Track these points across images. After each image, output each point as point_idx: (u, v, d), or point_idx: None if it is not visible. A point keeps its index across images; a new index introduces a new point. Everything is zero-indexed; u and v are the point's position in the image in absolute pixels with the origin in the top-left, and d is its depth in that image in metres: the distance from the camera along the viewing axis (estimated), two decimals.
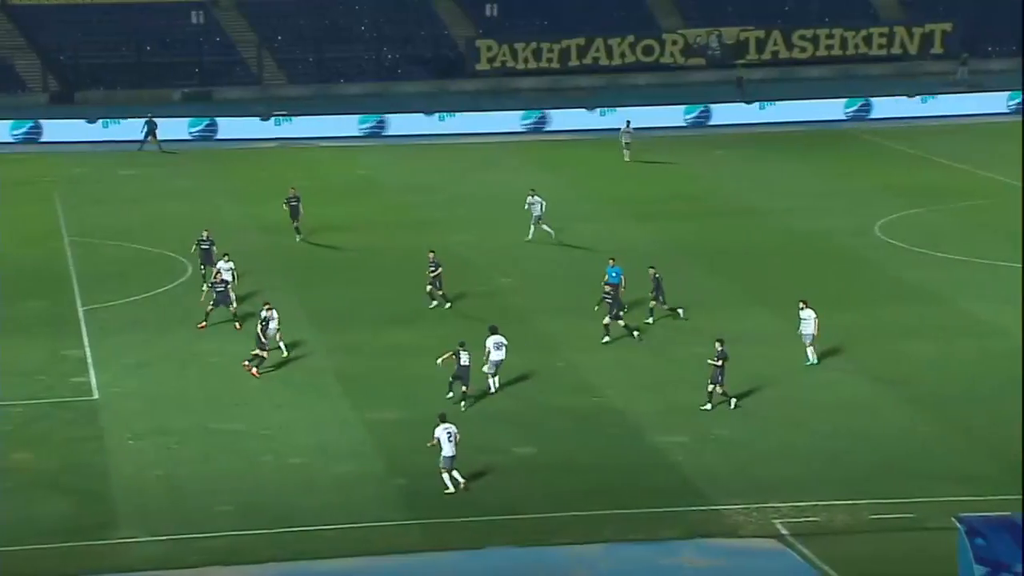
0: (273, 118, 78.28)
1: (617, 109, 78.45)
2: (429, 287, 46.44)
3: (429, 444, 33.36)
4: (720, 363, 37.66)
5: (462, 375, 37.78)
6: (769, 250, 53.75)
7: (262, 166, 71.17)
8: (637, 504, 32.31)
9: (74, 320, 45.06)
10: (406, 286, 48.91)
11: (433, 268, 46.39)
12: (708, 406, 37.74)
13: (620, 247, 50.33)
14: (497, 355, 38.98)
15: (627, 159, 69.61)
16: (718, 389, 37.77)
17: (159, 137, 73.18)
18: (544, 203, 54.72)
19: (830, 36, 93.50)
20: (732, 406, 37.79)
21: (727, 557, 30.35)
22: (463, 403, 37.86)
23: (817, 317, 40.81)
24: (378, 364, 41.78)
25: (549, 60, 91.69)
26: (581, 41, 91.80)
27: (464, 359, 37.80)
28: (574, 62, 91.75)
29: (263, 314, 41.28)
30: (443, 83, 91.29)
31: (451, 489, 32.96)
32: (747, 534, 31.22)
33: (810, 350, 41.03)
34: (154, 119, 73.99)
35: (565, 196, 61.53)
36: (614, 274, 44.51)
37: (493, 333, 39.27)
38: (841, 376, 40.33)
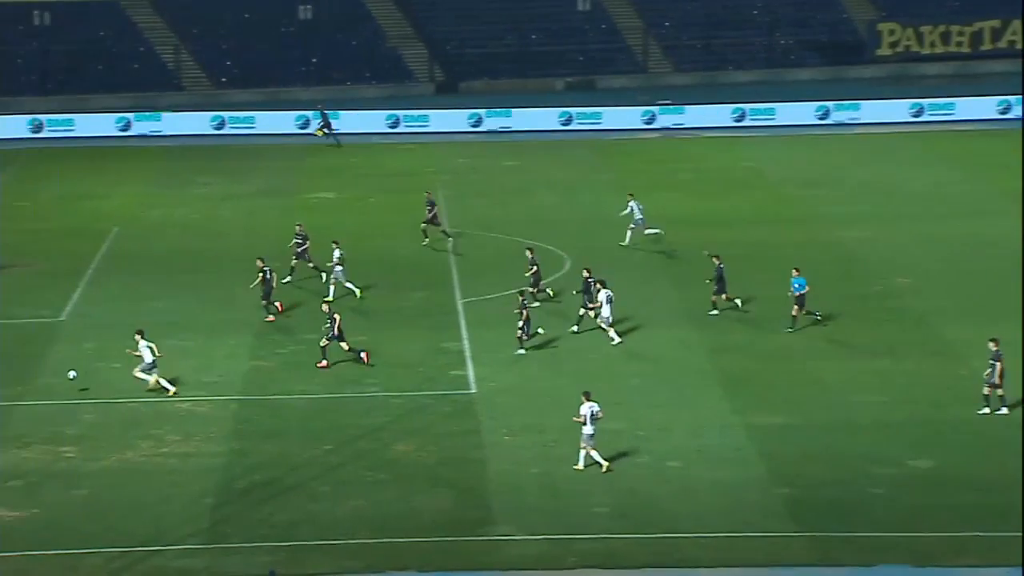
0: (656, 107, 78.71)
1: None
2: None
3: (575, 419, 34.60)
4: None
5: None
6: None
7: (644, 157, 71.66)
8: None
9: (453, 313, 46.52)
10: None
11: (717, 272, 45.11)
12: None
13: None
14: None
15: None
16: None
17: (334, 129, 73.95)
18: (642, 207, 53.36)
19: None
20: None
21: None
22: None
23: None
24: (763, 366, 41.40)
25: (959, 44, 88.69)
26: (996, 23, 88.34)
27: None
28: (987, 46, 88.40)
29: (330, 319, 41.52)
30: (839, 69, 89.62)
31: (580, 466, 34.25)
32: None
33: None
34: (325, 109, 75.09)
35: (964, 190, 59.42)
36: (797, 285, 43.26)
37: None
38: None
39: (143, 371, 39.60)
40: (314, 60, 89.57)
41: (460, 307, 46.97)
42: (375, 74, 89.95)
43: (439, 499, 33.44)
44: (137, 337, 39.87)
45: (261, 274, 46.15)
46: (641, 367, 41.53)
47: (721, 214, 58.91)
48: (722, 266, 45.53)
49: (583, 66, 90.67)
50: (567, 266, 51.91)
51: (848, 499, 32.97)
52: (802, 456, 34.99)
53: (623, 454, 35.58)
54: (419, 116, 78.91)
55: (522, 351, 42.22)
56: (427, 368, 41.80)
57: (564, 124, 77.99)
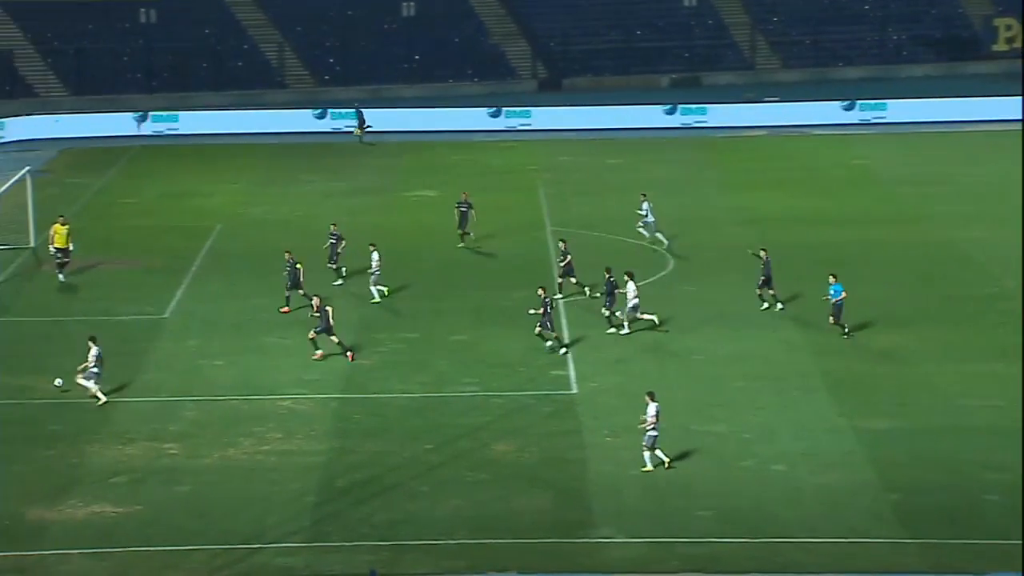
0: (762, 104, 78.25)
1: None
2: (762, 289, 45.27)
3: (641, 424, 34.66)
4: None
5: None
6: None
7: (751, 155, 71.25)
8: None
9: (554, 312, 46.42)
10: (904, 285, 47.76)
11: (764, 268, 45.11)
12: None
13: None
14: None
15: None
16: None
17: (366, 128, 74.50)
18: (653, 207, 53.45)
19: None
20: None
21: None
22: None
23: None
24: (870, 368, 41.02)
25: None
26: None
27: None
28: None
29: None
30: (953, 66, 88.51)
31: (649, 467, 34.23)
32: None
33: None
34: (361, 108, 75.46)
35: None
36: (833, 292, 42.96)
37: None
38: None
39: (86, 377, 38.88)
40: (417, 57, 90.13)
41: (561, 306, 47.00)
42: (477, 71, 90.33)
43: (539, 500, 33.49)
44: (90, 343, 39.32)
45: (288, 267, 46.74)
46: (744, 369, 41.32)
47: (830, 213, 58.43)
48: (769, 259, 45.69)
49: (689, 62, 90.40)
50: (670, 266, 51.78)
51: (960, 505, 32.57)
52: (912, 461, 34.58)
53: (727, 457, 35.41)
54: (521, 112, 79.11)
55: (560, 349, 42.42)
56: (528, 368, 41.88)
57: (669, 121, 77.77)
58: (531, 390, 40.16)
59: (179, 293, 49.20)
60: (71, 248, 50.77)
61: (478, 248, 54.70)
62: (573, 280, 47.99)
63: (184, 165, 71.11)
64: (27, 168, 57.19)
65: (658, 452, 34.67)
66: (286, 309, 46.56)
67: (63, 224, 51.65)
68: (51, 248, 50.70)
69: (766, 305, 45.85)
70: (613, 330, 44.20)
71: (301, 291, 46.63)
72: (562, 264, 47.83)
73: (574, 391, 40.12)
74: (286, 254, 47.33)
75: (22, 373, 41.68)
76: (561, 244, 48.36)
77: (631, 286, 44.07)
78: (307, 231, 56.45)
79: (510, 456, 35.80)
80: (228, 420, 38.28)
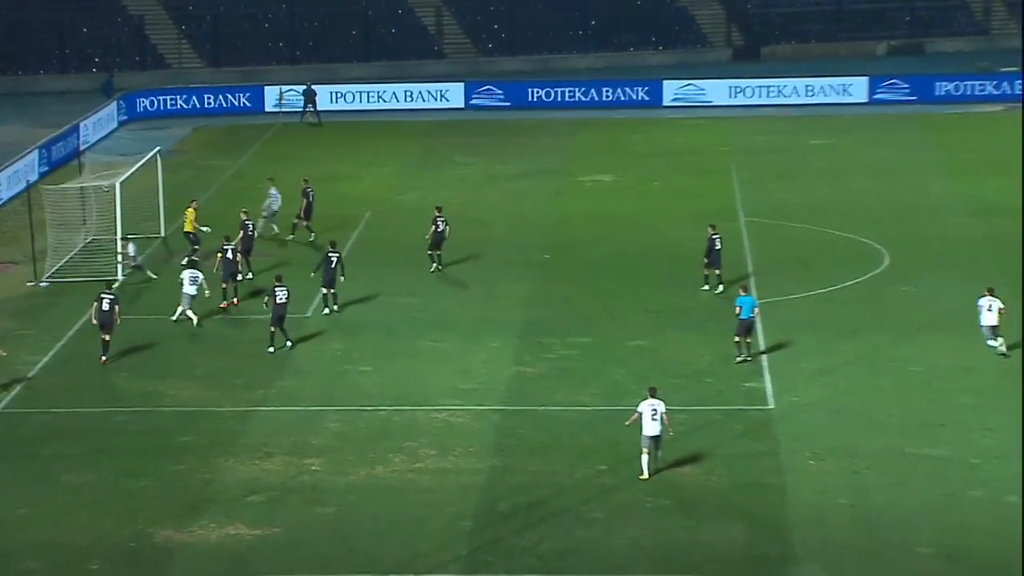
0: (997, 75, 76.78)
1: None
2: None
3: (627, 423, 35.19)
4: None
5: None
6: None
7: (981, 134, 69.94)
8: None
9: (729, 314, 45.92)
10: None
11: None
12: None
13: None
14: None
15: None
16: None
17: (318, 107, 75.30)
18: (279, 198, 54.33)
19: None
20: None
21: None
22: None
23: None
24: None
25: None
26: None
27: None
28: None
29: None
30: None
31: (645, 475, 34.83)
32: None
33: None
34: (312, 86, 75.75)
35: None
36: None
37: None
38: None
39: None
40: (592, 23, 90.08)
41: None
42: (662, 39, 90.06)
43: (731, 531, 33.22)
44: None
45: (242, 230, 49.22)
46: (972, 383, 40.54)
47: None
48: (716, 236, 47.38)
49: (909, 27, 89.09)
50: (886, 262, 51.03)
51: None
52: None
53: (952, 486, 34.75)
54: (712, 85, 78.72)
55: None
56: (717, 379, 41.62)
57: (884, 95, 76.69)
58: (720, 404, 39.91)
59: (323, 289, 49.74)
60: (205, 230, 51.88)
61: (660, 241, 54.45)
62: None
63: (329, 145, 72.01)
64: (157, 148, 58.32)
65: (659, 454, 35.42)
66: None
67: (194, 209, 52.76)
68: (190, 232, 52.13)
69: (706, 287, 46.95)
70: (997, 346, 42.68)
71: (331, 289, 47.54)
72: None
73: (771, 406, 39.75)
74: (242, 214, 50.29)
75: (148, 377, 42.52)
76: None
77: (988, 301, 42.26)
78: (466, 220, 56.74)
79: (696, 479, 35.57)
80: (376, 433, 38.60)
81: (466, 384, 41.65)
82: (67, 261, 51.83)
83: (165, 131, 74.36)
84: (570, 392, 41.03)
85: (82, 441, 38.23)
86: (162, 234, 55.44)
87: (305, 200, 55.39)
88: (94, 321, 43.38)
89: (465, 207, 59.54)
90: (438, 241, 51.26)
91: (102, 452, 37.50)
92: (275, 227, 55.20)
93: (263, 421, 39.52)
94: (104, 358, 43.22)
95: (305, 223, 55.27)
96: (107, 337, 43.14)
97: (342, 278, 47.44)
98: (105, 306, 43.04)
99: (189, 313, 46.13)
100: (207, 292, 46.58)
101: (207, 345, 45.17)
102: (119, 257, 50.72)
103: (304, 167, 66.28)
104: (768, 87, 78.34)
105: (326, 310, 47.21)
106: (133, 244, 51.23)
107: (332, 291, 47.45)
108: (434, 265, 51.28)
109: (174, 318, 46.23)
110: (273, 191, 55.77)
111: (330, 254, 47.79)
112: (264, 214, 55.02)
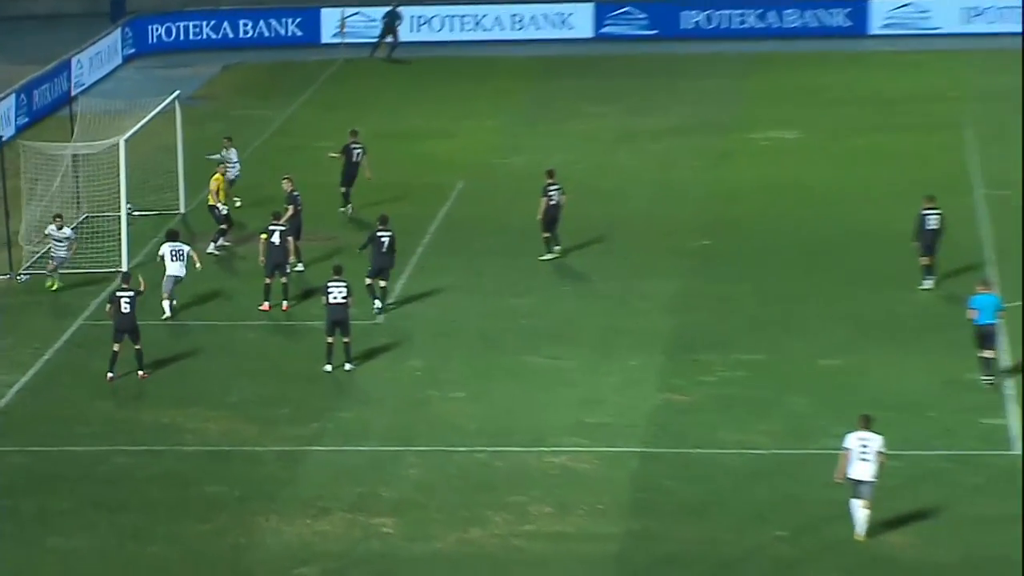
0: None
1: None
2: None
3: (837, 477, 35.22)
4: None
5: None
6: None
7: None
8: None
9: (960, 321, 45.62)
10: None
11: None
12: None
13: None
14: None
15: None
16: None
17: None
18: (238, 165, 55.45)
19: None
20: None
21: None
22: None
23: None
24: None
25: None
26: None
27: None
28: None
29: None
30: None
31: (860, 534, 35.22)
32: None
33: None
34: (398, 7, 76.20)
35: None
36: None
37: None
38: None
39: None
40: None
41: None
42: None
43: None
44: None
45: (291, 205, 50.44)
46: None
47: None
48: (933, 213, 47.43)
49: None
50: None
51: None
52: None
53: None
54: (938, 7, 78.26)
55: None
56: (941, 412, 41.46)
57: None
58: (948, 448, 39.76)
59: (397, 286, 49.90)
60: (235, 204, 52.30)
61: (861, 221, 54.14)
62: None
63: (411, 90, 72.19)
64: (176, 92, 58.69)
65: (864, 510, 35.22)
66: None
67: (222, 173, 53.03)
68: (216, 205, 52.49)
69: (929, 282, 48.47)
70: None
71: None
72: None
73: (1017, 452, 39.45)
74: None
75: (163, 404, 42.85)
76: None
77: None
78: (593, 192, 56.66)
79: (913, 551, 35.44)
80: (471, 483, 38.65)
81: (593, 417, 41.66)
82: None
83: (187, 70, 74.95)
84: (736, 429, 40.93)
85: (74, 492, 38.52)
86: (182, 209, 55.83)
87: (347, 159, 55.49)
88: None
89: (593, 175, 59.53)
90: (553, 219, 51.27)
91: (100, 507, 37.75)
92: (237, 200, 55.12)
93: (317, 466, 39.69)
94: (112, 375, 43.76)
95: (342, 189, 55.39)
96: (138, 346, 43.73)
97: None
98: (125, 307, 43.44)
99: (165, 304, 46.95)
100: (198, 265, 47.14)
101: (243, 361, 45.44)
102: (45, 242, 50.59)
103: (375, 119, 66.45)
104: (1015, 6, 77.65)
105: (375, 309, 47.53)
106: (70, 228, 50.75)
107: (382, 283, 47.58)
108: (550, 253, 51.29)
109: (166, 315, 46.69)
110: (231, 154, 55.69)
111: (380, 233, 47.96)
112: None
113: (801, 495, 37.52)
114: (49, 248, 50.19)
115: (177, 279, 47.01)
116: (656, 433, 40.90)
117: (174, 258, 46.96)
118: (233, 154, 55.92)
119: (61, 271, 49.94)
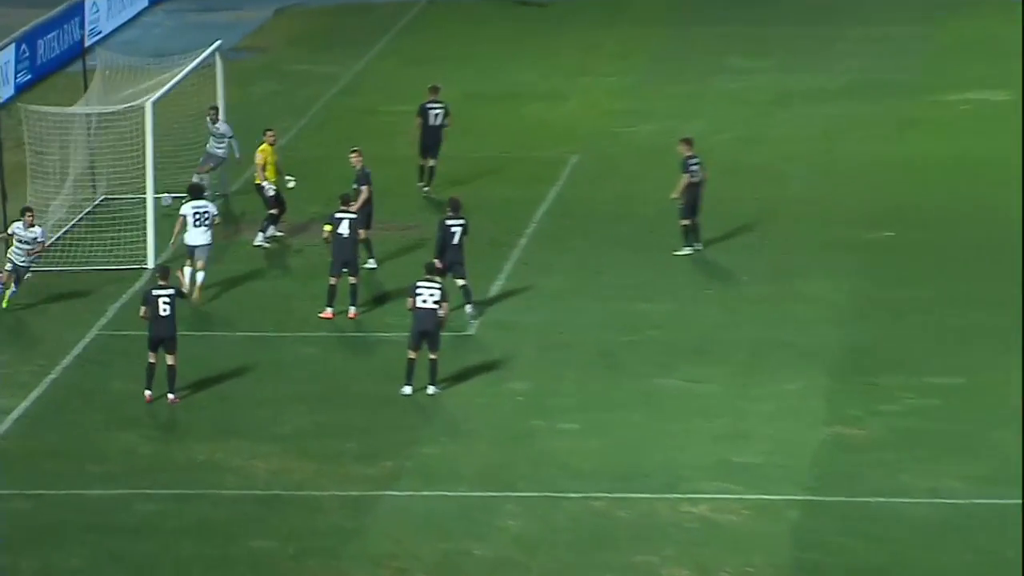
0: None
1: None
2: None
3: None
4: None
5: None
6: None
7: None
8: None
9: None
10: None
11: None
12: None
13: None
14: None
15: None
16: None
17: None
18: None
19: None
20: None
21: None
22: None
23: None
24: None
25: None
26: None
27: None
28: None
29: None
30: None
31: None
32: None
33: None
34: None
35: None
36: None
37: None
38: None
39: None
40: None
41: None
42: None
43: None
44: None
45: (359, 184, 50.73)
46: None
47: None
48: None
49: None
50: None
51: None
52: None
53: None
54: None
55: None
56: None
57: None
58: None
59: (494, 287, 50.00)
60: (288, 183, 52.57)
61: None
62: None
63: (511, 40, 72.34)
64: (217, 42, 58.89)
65: None
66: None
67: (272, 143, 53.06)
68: (263, 184, 52.52)
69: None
70: None
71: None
72: None
73: None
74: None
75: (201, 439, 43.06)
76: None
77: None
78: (740, 168, 56.66)
79: None
80: (585, 538, 38.74)
81: (743, 455, 41.74)
82: (63, 235, 52.51)
83: (230, 14, 75.36)
84: (926, 472, 40.92)
85: (86, 546, 38.73)
86: (225, 191, 56.07)
87: (423, 123, 55.50)
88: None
89: (740, 148, 59.68)
90: (694, 203, 51.17)
91: (119, 565, 38.00)
92: (291, 180, 54.73)
93: (393, 514, 39.86)
94: (149, 393, 44.22)
95: (429, 163, 55.45)
96: (172, 361, 43.87)
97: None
98: (164, 308, 43.55)
99: (185, 277, 47.26)
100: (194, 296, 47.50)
101: (298, 383, 45.58)
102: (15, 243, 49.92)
103: (467, 76, 66.59)
104: None
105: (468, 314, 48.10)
106: (41, 228, 50.46)
107: (460, 281, 47.96)
108: (688, 247, 51.28)
109: (194, 296, 47.26)
110: (223, 126, 55.60)
111: (449, 223, 48.12)
112: (210, 164, 54.96)
113: (1008, 556, 37.40)
114: (9, 251, 49.51)
115: (203, 249, 46.98)
116: (821, 476, 40.95)
117: (197, 222, 46.88)
118: (222, 127, 55.37)
119: (18, 283, 49.16)
